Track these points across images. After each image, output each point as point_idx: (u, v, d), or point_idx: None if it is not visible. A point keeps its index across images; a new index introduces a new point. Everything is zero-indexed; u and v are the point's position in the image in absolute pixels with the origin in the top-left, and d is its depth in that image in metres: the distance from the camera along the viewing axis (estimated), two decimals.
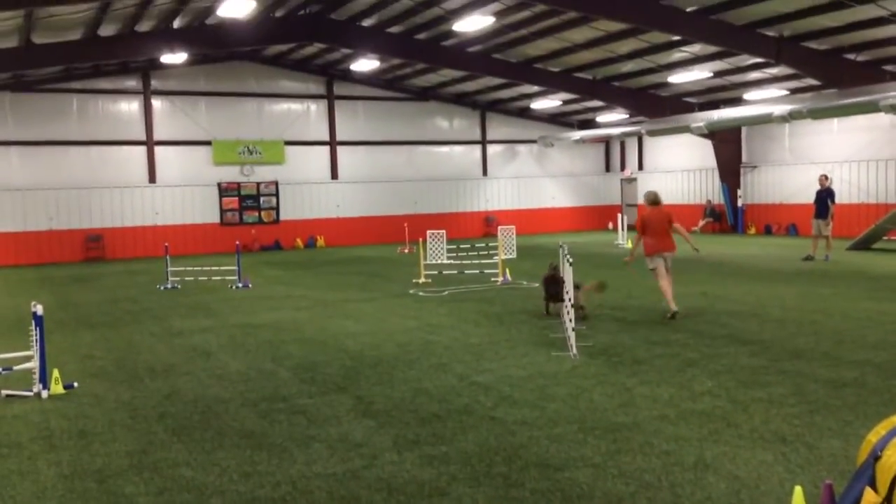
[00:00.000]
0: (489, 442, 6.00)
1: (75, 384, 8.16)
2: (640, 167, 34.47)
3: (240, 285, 16.88)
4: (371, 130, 30.84)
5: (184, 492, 5.20)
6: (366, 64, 26.32)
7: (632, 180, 34.81)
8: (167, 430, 6.60)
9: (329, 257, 24.47)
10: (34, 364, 7.86)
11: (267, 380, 8.28)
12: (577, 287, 10.11)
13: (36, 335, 7.83)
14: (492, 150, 33.57)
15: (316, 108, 29.96)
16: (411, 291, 15.15)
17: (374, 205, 30.75)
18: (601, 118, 32.74)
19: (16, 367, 8.08)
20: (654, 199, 11.68)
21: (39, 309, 7.86)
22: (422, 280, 16.59)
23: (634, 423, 6.36)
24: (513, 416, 6.64)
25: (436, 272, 17.84)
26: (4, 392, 7.82)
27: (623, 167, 35.37)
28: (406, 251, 24.93)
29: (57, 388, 7.89)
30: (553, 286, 11.27)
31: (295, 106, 29.61)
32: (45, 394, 7.75)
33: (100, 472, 5.61)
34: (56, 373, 8.00)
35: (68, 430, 6.68)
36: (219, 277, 18.18)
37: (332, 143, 30.22)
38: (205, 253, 26.92)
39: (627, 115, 30.88)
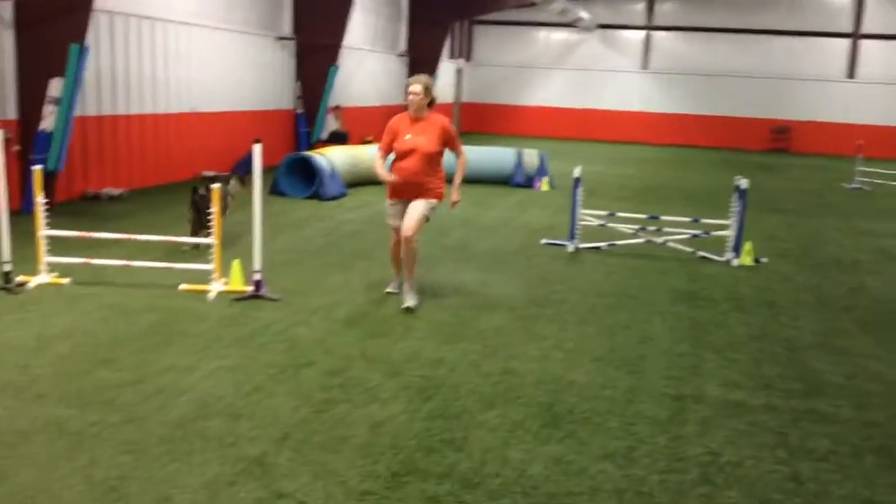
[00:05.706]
0: None
1: (763, 259, 8.56)
2: None
3: None
4: None
5: (873, 382, 5.08)
6: None
7: None
8: (853, 322, 6.46)
9: None
10: (730, 233, 8.47)
11: None
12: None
13: (737, 207, 8.37)
14: None
15: None
16: None
17: None
18: None
19: (712, 233, 8.83)
20: None
21: (744, 183, 8.35)
22: None
23: None
24: None
25: None
26: (699, 252, 8.64)
27: None
28: None
29: (746, 259, 8.38)
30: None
31: None
32: (734, 262, 8.33)
33: (788, 342, 5.85)
34: (748, 245, 8.48)
35: (755, 299, 7.09)
36: None
37: None
38: None
39: None
